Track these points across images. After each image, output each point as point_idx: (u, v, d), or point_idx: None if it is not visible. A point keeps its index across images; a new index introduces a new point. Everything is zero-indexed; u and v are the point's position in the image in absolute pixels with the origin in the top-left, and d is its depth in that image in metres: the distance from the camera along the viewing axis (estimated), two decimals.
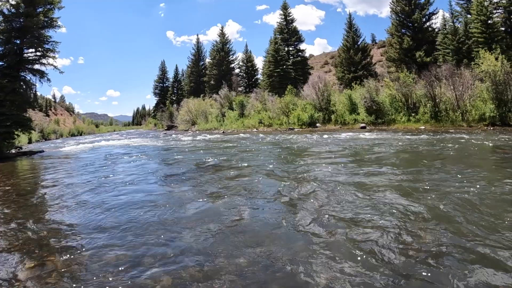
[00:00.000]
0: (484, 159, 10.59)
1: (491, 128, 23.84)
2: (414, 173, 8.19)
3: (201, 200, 6.58)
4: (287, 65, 52.98)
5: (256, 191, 7.04)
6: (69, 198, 7.40)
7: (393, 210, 5.24)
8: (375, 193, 6.36)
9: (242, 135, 30.37)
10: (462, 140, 15.64)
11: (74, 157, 17.86)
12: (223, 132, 40.74)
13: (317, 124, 36.77)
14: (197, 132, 45.28)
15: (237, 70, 66.48)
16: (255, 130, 39.98)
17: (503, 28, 35.38)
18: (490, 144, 13.74)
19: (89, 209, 6.33)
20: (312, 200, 6.12)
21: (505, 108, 25.35)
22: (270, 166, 10.10)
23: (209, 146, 18.94)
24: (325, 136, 22.44)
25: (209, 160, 12.42)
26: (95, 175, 10.20)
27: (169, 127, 65.19)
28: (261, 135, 28.55)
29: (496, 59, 26.78)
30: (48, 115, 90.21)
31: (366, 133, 22.93)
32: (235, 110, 48.88)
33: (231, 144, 18.94)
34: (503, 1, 35.23)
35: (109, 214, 5.89)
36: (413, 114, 30.16)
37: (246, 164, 10.50)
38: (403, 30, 42.31)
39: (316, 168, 9.31)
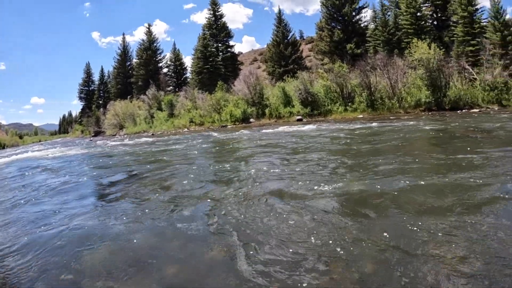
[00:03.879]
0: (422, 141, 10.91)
1: (430, 113, 24.36)
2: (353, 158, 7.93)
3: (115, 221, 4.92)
4: (217, 61, 51.38)
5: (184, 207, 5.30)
6: None
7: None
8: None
9: (172, 136, 27.92)
10: (405, 125, 15.81)
11: None
12: (153, 134, 38.16)
13: (251, 120, 35.52)
14: (125, 136, 42.01)
15: (165, 70, 63.48)
16: (186, 130, 37.93)
17: (430, 21, 37.81)
18: (427, 128, 14.24)
19: None
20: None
21: (440, 93, 26.25)
22: (202, 168, 8.72)
23: (135, 151, 16.12)
24: (262, 131, 20.79)
25: (130, 169, 9.91)
26: None
27: (96, 133, 60.64)
28: (192, 134, 26.37)
29: (429, 47, 27.59)
30: None
31: (305, 126, 21.70)
32: (164, 110, 46.30)
33: (159, 148, 16.30)
34: None
35: None
36: (349, 104, 29.92)
37: (171, 172, 8.48)
38: (333, 24, 42.64)
39: (246, 167, 8.23)
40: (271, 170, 7.30)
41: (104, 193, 6.96)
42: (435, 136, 11.87)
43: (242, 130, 24.02)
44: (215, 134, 23.57)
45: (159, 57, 64.29)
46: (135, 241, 4.03)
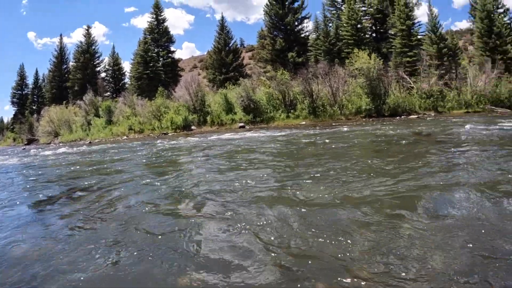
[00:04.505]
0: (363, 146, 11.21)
1: (370, 120, 24.90)
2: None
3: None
4: (157, 67, 49.78)
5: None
6: None
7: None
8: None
9: (110, 145, 25.73)
10: (347, 131, 16.35)
11: None
12: (90, 142, 35.69)
13: (192, 127, 34.36)
14: (60, 144, 38.96)
15: (103, 74, 60.83)
16: (125, 137, 35.91)
17: (370, 33, 39.85)
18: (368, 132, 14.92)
19: None
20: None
21: (380, 101, 26.99)
22: (148, 183, 7.65)
23: (71, 161, 14.45)
24: (208, 138, 19.92)
25: (65, 184, 8.57)
26: None
27: (30, 141, 56.10)
28: (132, 143, 24.67)
29: (370, 57, 28.46)
30: None
31: (248, 133, 21.30)
32: (102, 117, 43.66)
33: (97, 158, 14.71)
34: (371, 9, 39.74)
35: None
36: (292, 111, 29.74)
37: (114, 188, 7.33)
38: (275, 32, 42.78)
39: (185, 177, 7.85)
40: (210, 180, 6.96)
41: (34, 219, 5.68)
42: (376, 140, 12.16)
43: (186, 138, 22.84)
44: (157, 142, 22.07)
45: (97, 61, 61.45)
46: None
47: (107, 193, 6.80)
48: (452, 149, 8.28)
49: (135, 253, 3.63)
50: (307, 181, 5.96)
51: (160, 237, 4.01)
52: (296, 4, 43.03)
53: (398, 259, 3.03)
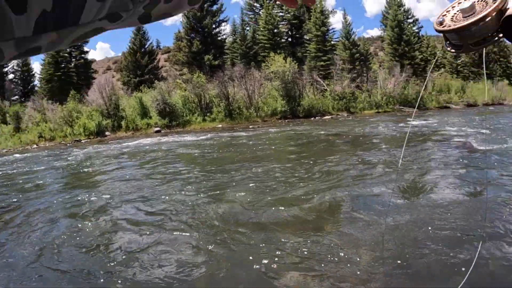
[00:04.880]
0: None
1: (285, 121, 25.33)
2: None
3: None
4: (69, 68, 46.90)
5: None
6: None
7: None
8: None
9: (18, 155, 22.97)
10: (262, 133, 16.93)
11: None
12: None
13: (106, 133, 32.44)
14: None
15: (10, 76, 56.31)
16: (35, 146, 32.79)
17: (286, 37, 40.67)
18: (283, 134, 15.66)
19: None
20: None
21: (295, 103, 27.30)
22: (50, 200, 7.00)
23: None
24: (116, 146, 18.76)
25: None
26: None
27: None
28: (42, 153, 22.34)
29: (285, 60, 28.80)
30: None
31: (164, 138, 20.94)
32: (10, 123, 40.04)
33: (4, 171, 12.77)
34: (288, 15, 40.54)
35: None
36: (208, 114, 29.07)
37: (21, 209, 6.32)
38: (192, 35, 41.99)
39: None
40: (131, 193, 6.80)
41: None
42: (291, 142, 12.79)
43: (98, 146, 21.19)
44: (68, 152, 20.09)
45: None
46: None
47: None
48: (359, 148, 9.09)
49: None
50: (229, 188, 6.07)
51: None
52: (214, 7, 42.86)
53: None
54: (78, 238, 4.55)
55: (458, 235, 3.84)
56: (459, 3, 0.86)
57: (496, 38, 0.82)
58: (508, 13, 0.77)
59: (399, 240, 3.58)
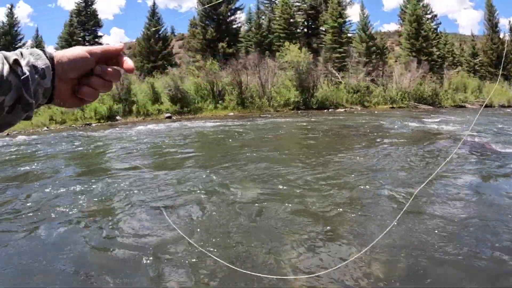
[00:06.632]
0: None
1: (299, 112, 25.03)
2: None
3: None
4: None
5: None
6: None
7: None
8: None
9: (30, 137, 22.61)
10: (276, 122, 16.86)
11: None
12: (8, 134, 32.50)
13: (117, 117, 32.36)
14: None
15: None
16: (46, 129, 32.93)
17: (301, 27, 40.47)
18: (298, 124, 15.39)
19: None
20: None
21: (308, 94, 26.95)
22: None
23: None
24: (126, 130, 18.77)
25: None
26: None
27: None
28: (54, 135, 22.17)
29: (300, 50, 28.39)
30: None
31: (173, 124, 20.94)
32: None
33: (17, 154, 12.55)
34: (304, 5, 40.65)
35: None
36: (220, 102, 28.82)
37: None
38: (207, 22, 41.77)
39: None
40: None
41: None
42: (306, 132, 12.59)
43: (109, 130, 21.09)
44: (79, 134, 19.92)
45: (19, 44, 57.07)
46: None
47: None
48: (376, 141, 8.91)
49: None
50: (241, 178, 5.96)
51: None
52: None
53: None
54: (82, 227, 4.45)
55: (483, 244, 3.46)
56: None
57: None
58: None
59: (412, 246, 3.34)
